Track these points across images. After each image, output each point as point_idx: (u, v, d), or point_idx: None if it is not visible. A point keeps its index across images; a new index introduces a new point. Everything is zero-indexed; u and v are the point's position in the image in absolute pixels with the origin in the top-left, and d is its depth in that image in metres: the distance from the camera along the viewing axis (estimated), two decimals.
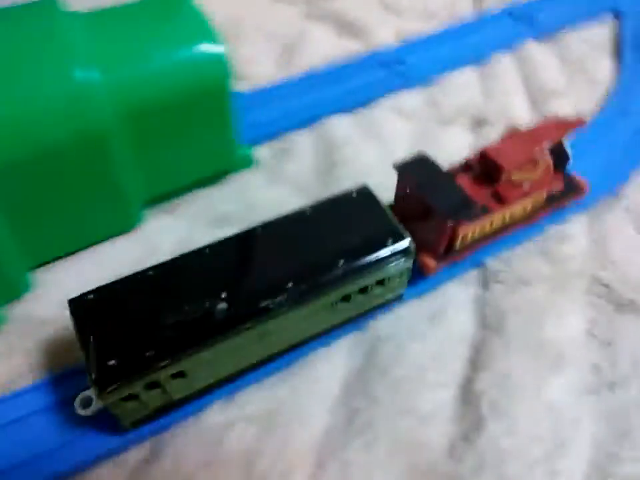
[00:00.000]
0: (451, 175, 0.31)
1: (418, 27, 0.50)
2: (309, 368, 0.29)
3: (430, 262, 0.31)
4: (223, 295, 0.24)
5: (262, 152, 0.39)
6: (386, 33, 0.48)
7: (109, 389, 0.22)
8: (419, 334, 0.30)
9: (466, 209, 0.28)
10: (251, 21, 0.49)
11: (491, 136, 0.40)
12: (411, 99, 0.43)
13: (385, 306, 0.30)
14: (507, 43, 0.48)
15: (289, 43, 0.47)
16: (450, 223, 0.29)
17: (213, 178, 0.37)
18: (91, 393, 0.25)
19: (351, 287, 0.27)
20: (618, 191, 0.37)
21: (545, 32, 0.49)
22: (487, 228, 0.32)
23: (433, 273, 0.31)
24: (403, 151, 0.39)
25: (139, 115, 0.30)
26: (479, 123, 0.42)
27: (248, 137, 0.39)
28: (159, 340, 0.23)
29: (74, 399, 0.25)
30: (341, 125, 0.40)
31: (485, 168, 0.32)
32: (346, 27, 0.49)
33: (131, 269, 0.26)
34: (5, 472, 0.25)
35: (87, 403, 0.25)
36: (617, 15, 0.52)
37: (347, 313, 0.29)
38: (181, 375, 0.24)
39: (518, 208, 0.32)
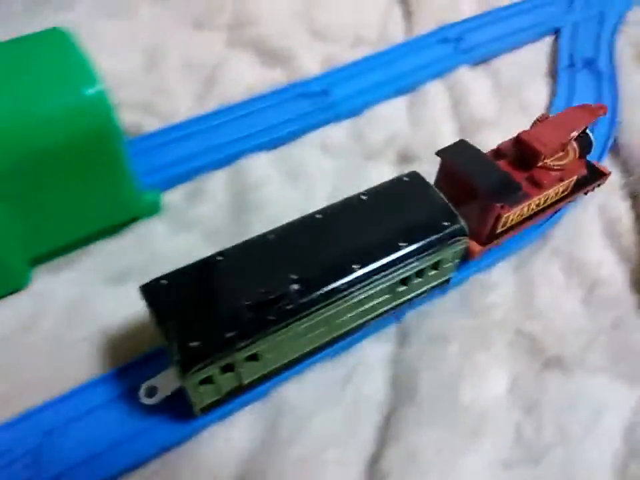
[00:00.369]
0: (493, 159, 0.31)
1: (347, 53, 0.47)
2: (204, 447, 0.26)
3: (474, 246, 0.31)
4: (294, 277, 0.25)
5: (172, 195, 0.36)
6: (312, 61, 0.46)
7: (192, 370, 0.23)
8: (326, 403, 0.27)
9: (513, 192, 0.29)
10: (170, 49, 0.46)
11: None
12: (336, 132, 0.41)
13: (431, 293, 0.31)
14: (439, 69, 0.46)
15: (209, 73, 0.45)
16: (498, 206, 0.29)
17: (114, 228, 0.34)
18: (155, 382, 0.26)
19: (411, 269, 0.27)
20: (546, 232, 0.36)
21: (478, 56, 0.47)
22: (525, 212, 0.32)
23: (477, 258, 0.32)
24: (326, 191, 0.37)
25: (11, 168, 0.27)
26: (405, 159, 0.40)
27: (157, 179, 0.36)
28: (237, 322, 0.23)
29: (137, 390, 0.26)
30: (259, 164, 0.38)
31: (519, 153, 0.32)
32: (270, 54, 0.46)
33: (19, 330, 0.23)
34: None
35: (151, 392, 0.26)
36: (556, 34, 0.51)
37: (403, 296, 0.29)
38: (254, 357, 0.25)
39: (551, 193, 0.33)
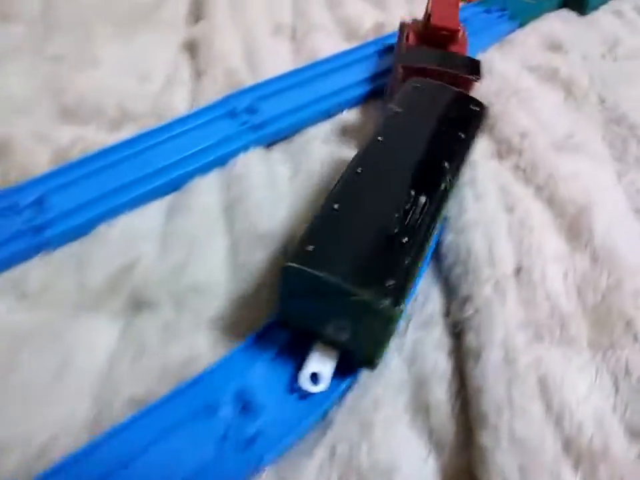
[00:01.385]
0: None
1: (102, 137, 0.35)
2: None
3: None
4: (413, 191, 0.25)
5: None
6: (42, 157, 0.33)
7: (399, 306, 0.21)
8: None
9: (477, 66, 0.34)
10: None
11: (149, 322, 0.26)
12: (39, 269, 0.28)
13: None
14: (217, 156, 0.34)
15: None
16: (477, 80, 0.33)
17: None
18: (311, 366, 0.24)
19: (470, 153, 0.29)
20: (328, 413, 0.24)
21: (275, 132, 0.36)
22: None
23: None
24: None
25: None
26: (139, 305, 0.27)
27: None
28: (402, 248, 0.23)
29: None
30: None
31: (438, 37, 0.36)
32: None
33: None
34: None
35: (315, 379, 0.23)
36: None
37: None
38: None
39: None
